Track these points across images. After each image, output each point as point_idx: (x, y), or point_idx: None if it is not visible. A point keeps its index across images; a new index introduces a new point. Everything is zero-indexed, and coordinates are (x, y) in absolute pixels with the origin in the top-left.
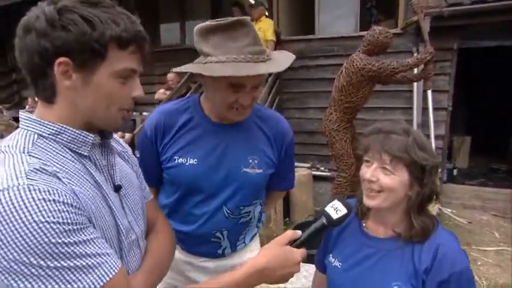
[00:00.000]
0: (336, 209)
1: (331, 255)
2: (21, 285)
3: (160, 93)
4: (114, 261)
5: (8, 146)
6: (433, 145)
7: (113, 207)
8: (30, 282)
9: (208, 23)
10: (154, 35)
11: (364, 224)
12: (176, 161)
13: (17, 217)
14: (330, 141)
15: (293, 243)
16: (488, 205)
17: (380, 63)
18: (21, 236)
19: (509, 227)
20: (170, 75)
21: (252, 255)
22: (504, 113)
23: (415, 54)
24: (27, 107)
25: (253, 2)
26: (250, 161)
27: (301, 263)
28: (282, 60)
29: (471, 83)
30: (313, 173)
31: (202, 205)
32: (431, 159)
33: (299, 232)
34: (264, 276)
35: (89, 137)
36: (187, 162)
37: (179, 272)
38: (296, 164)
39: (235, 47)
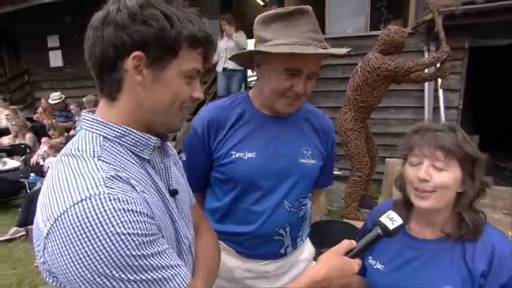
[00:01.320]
0: (391, 219)
1: (370, 257)
2: None
3: None
4: (185, 272)
5: (77, 149)
6: None
7: (173, 213)
8: None
9: (269, 12)
10: None
11: (406, 227)
12: (233, 156)
13: (101, 228)
14: (345, 140)
15: (348, 253)
16: (499, 203)
17: (396, 63)
18: (104, 247)
19: None
20: None
21: (307, 254)
22: None
23: (426, 54)
24: (39, 108)
25: (262, 3)
26: (305, 152)
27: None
28: (340, 49)
29: (480, 81)
30: None
31: (263, 201)
32: (479, 152)
33: (354, 242)
34: (323, 286)
35: (151, 140)
36: (245, 156)
37: (236, 282)
38: None
39: (297, 32)
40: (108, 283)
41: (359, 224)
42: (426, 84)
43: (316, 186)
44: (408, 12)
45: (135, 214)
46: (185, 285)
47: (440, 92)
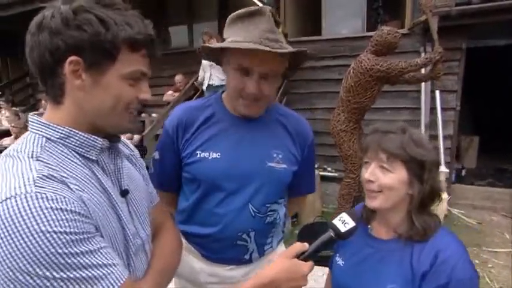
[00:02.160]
0: (343, 222)
1: (337, 254)
2: None
3: (169, 94)
4: (120, 272)
5: (16, 150)
6: (441, 145)
7: (121, 213)
8: None
9: (235, 12)
10: (163, 37)
11: (369, 226)
12: (198, 156)
13: (24, 226)
14: (338, 141)
15: (300, 256)
16: (498, 206)
17: (388, 64)
18: (27, 246)
19: None
20: (178, 78)
21: None
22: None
23: (423, 54)
24: (41, 109)
25: (261, 5)
26: (275, 155)
27: (320, 267)
28: (291, 48)
29: (479, 82)
30: (321, 173)
31: (226, 203)
32: (429, 154)
33: (306, 245)
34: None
35: (97, 141)
36: (209, 156)
37: (201, 285)
38: None
39: (254, 31)
40: (31, 281)
41: None
42: (423, 85)
43: (297, 193)
44: (405, 13)
45: (64, 212)
46: (118, 285)
47: (437, 93)
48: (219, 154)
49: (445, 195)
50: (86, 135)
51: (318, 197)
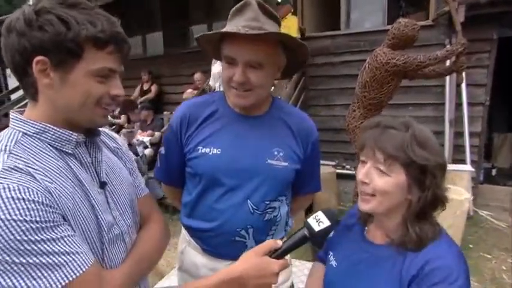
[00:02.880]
0: (318, 221)
1: (331, 253)
2: None
3: (188, 92)
4: (83, 260)
5: None
6: (467, 143)
7: (95, 203)
8: None
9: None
10: (185, 36)
11: (366, 228)
12: (199, 151)
13: None
14: (353, 138)
15: (273, 253)
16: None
17: (405, 58)
18: None
19: None
20: (197, 76)
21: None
22: None
23: (448, 47)
24: None
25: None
26: (276, 153)
27: (304, 262)
28: (268, 31)
29: None
30: (339, 171)
31: (225, 199)
32: (433, 158)
33: (279, 242)
34: (238, 285)
35: (72, 136)
36: (210, 152)
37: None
38: (322, 162)
39: (239, 21)
40: None
41: None
42: (447, 79)
43: (301, 192)
44: (429, 4)
45: (26, 202)
46: (79, 272)
47: (463, 87)
48: (220, 150)
49: (467, 196)
50: (60, 130)
51: (333, 195)
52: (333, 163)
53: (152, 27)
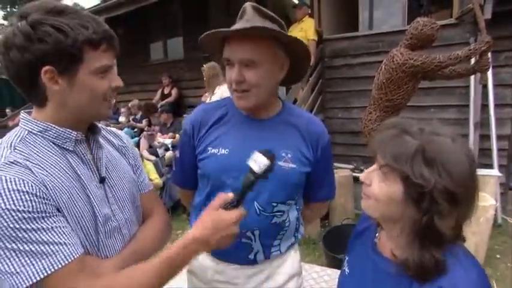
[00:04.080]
0: (257, 162)
1: (347, 258)
2: None
3: (206, 96)
4: (70, 251)
5: (3, 140)
6: (495, 146)
7: (91, 196)
8: None
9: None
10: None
11: (377, 235)
12: (209, 152)
13: None
14: (369, 141)
15: (228, 205)
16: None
17: (424, 58)
18: None
19: None
20: None
21: (290, 268)
22: None
23: (471, 45)
24: None
25: (297, 2)
26: (283, 154)
27: (323, 267)
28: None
29: None
30: (356, 174)
31: None
32: (438, 179)
33: (231, 194)
34: (201, 244)
35: (72, 134)
36: (218, 152)
37: (209, 283)
38: (339, 165)
39: (235, 26)
40: None
41: None
42: (472, 79)
43: (313, 199)
44: (452, 2)
45: (20, 193)
46: (65, 262)
47: (490, 87)
48: (227, 150)
49: (492, 202)
50: (61, 129)
51: (349, 199)
52: (351, 166)
53: (173, 32)
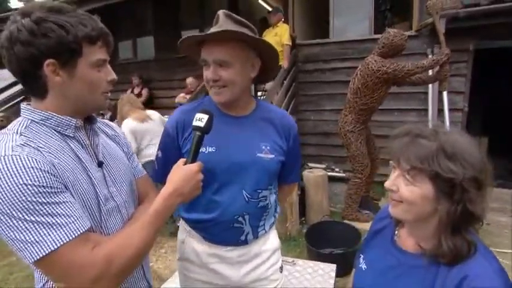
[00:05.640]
0: (200, 119)
1: (362, 255)
2: (8, 234)
3: (181, 97)
4: (80, 224)
5: (8, 128)
6: None
7: (93, 177)
8: (13, 232)
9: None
10: (176, 41)
11: (396, 232)
12: None
13: (4, 180)
14: (346, 142)
15: (187, 162)
16: (507, 207)
17: (395, 66)
18: (8, 194)
19: None
20: (189, 80)
21: (272, 244)
22: None
23: (430, 56)
24: None
25: (270, 8)
26: (263, 147)
27: (306, 261)
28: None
29: (488, 83)
30: (329, 174)
31: (223, 191)
32: (463, 171)
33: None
34: (177, 194)
35: (72, 121)
36: (206, 150)
37: (203, 265)
38: (312, 164)
39: (209, 31)
40: (9, 220)
41: (359, 225)
42: (430, 86)
43: (286, 181)
44: (412, 15)
45: (35, 170)
46: (77, 233)
47: (445, 94)
48: (214, 148)
49: None
50: (62, 117)
51: (325, 197)
52: (323, 166)
53: (143, 31)
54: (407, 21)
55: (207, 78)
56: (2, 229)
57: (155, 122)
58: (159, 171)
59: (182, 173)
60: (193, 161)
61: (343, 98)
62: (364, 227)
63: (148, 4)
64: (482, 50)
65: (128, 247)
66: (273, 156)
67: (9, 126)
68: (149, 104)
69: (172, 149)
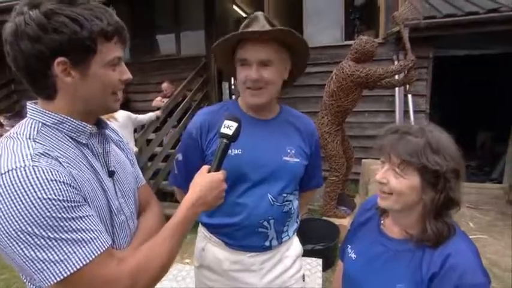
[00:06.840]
0: (229, 127)
1: (349, 246)
2: (27, 253)
3: (158, 100)
4: (105, 238)
5: (16, 132)
6: None
7: (107, 189)
8: (33, 251)
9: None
10: (152, 45)
11: (382, 222)
12: None
13: (24, 194)
14: (322, 143)
15: (212, 169)
16: (463, 198)
17: (367, 70)
18: (27, 210)
19: (482, 218)
20: (164, 85)
21: (295, 250)
22: (472, 114)
23: (396, 62)
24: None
25: (244, 14)
26: (288, 150)
27: (304, 257)
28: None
29: (446, 87)
30: None
31: (248, 194)
32: (446, 163)
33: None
34: (200, 203)
35: (87, 127)
36: (232, 152)
37: (224, 273)
38: None
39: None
40: (31, 239)
41: (337, 221)
42: (397, 89)
43: (306, 188)
44: (379, 24)
45: (58, 183)
46: (103, 249)
47: (410, 97)
48: (240, 150)
49: None
50: (76, 122)
51: None
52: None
53: None
54: (373, 30)
55: (246, 78)
56: (17, 248)
57: (119, 123)
58: (180, 175)
59: (206, 180)
60: (217, 169)
61: (317, 100)
62: (342, 222)
63: (123, 8)
64: (442, 57)
65: (153, 262)
66: (298, 160)
67: (17, 130)
68: (125, 107)
69: (194, 151)
